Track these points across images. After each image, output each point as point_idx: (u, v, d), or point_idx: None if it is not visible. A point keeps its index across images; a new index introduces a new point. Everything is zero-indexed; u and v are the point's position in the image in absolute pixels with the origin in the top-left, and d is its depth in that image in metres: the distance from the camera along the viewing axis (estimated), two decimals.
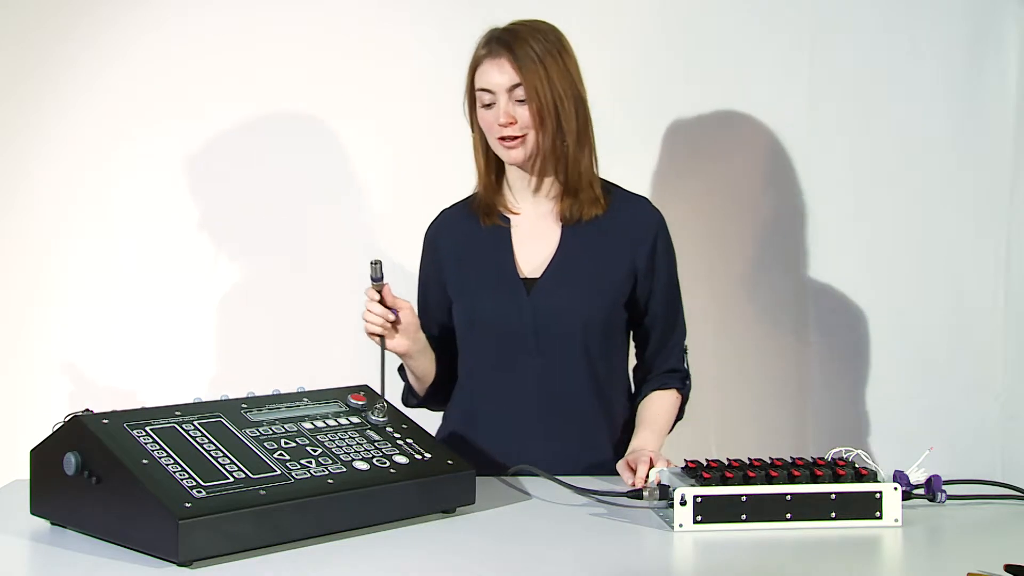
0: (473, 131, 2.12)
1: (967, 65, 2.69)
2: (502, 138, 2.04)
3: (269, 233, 2.74)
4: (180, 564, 1.45)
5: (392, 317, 1.99)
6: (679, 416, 2.18)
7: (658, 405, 2.13)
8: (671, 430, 2.15)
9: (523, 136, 2.03)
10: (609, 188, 2.14)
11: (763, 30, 2.72)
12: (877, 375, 2.75)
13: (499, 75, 2.02)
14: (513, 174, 2.12)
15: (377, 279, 1.96)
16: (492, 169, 2.13)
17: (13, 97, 2.68)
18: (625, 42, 2.72)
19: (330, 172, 2.75)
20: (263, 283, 2.75)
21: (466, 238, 2.15)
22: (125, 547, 1.51)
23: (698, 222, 2.75)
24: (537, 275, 2.09)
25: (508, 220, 2.13)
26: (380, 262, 1.96)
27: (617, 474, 1.94)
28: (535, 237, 2.11)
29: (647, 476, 1.80)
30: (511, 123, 2.02)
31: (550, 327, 2.06)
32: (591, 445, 2.09)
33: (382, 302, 1.98)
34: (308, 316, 2.72)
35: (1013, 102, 2.68)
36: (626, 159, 2.71)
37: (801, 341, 2.77)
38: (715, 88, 2.73)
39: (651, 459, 1.88)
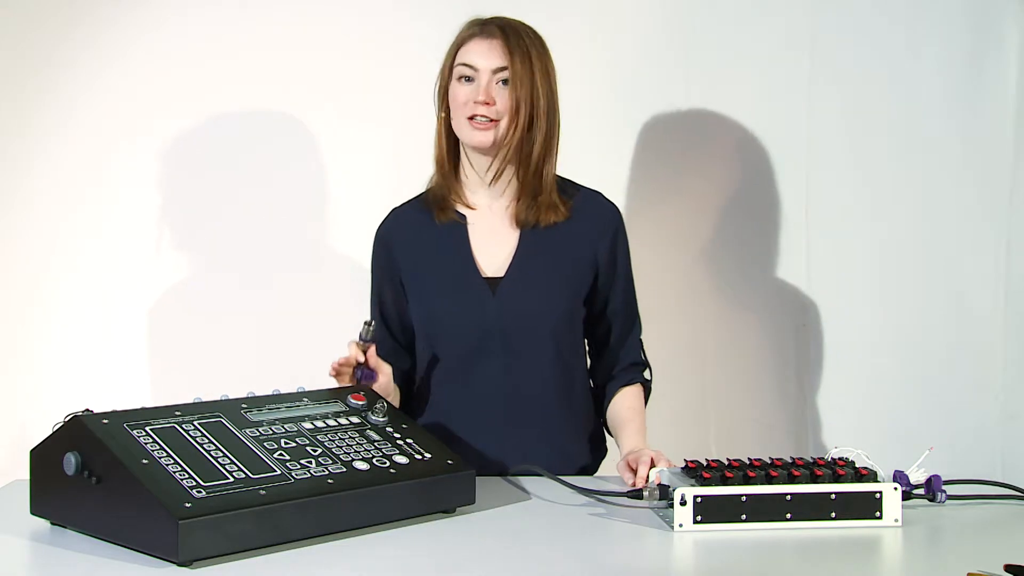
0: (440, 112, 2.08)
1: (967, 65, 2.69)
2: (472, 117, 2.01)
3: (269, 233, 2.74)
4: (180, 564, 1.45)
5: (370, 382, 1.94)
6: None
7: (632, 402, 2.12)
8: None
9: (496, 121, 2.01)
10: (569, 192, 2.11)
11: (763, 30, 2.72)
12: (877, 375, 2.74)
13: (488, 53, 2.00)
14: (475, 161, 2.08)
15: (366, 340, 1.94)
16: (452, 156, 2.10)
17: (13, 97, 2.67)
18: (625, 42, 2.71)
19: (331, 172, 2.75)
20: (265, 283, 2.74)
21: (421, 236, 2.10)
22: (125, 547, 1.51)
23: (696, 222, 2.75)
24: (499, 274, 2.06)
25: (464, 217, 2.10)
26: (374, 325, 1.95)
27: (617, 473, 1.94)
28: (493, 235, 2.08)
29: (647, 476, 1.80)
30: (489, 103, 2.00)
31: (519, 327, 2.04)
32: (560, 443, 2.08)
33: (365, 363, 1.94)
34: (311, 316, 2.72)
35: (1013, 102, 2.68)
36: (625, 158, 2.73)
37: (801, 341, 2.77)
38: (715, 88, 2.73)
39: (651, 459, 1.87)
